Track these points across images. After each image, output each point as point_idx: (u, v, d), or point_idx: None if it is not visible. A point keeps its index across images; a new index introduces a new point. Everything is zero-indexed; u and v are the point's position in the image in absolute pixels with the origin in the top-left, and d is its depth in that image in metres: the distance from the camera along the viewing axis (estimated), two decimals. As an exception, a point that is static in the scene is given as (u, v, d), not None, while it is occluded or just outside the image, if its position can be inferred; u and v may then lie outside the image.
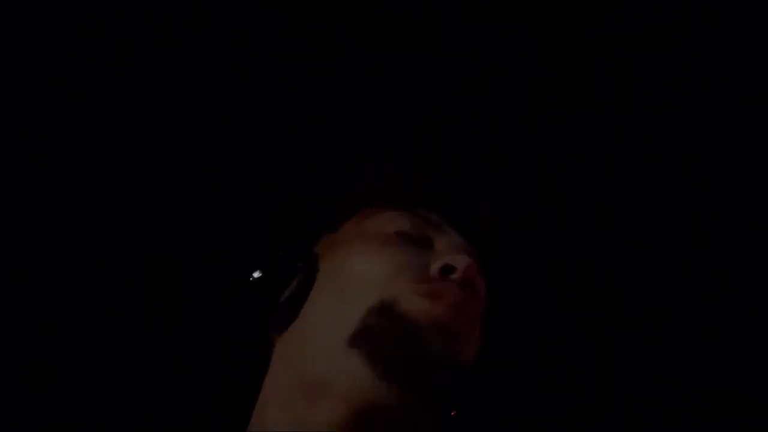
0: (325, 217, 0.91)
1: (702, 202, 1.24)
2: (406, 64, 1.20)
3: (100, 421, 1.13)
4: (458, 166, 1.14)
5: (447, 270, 0.79)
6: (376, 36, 1.19)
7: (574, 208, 1.25)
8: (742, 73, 1.20)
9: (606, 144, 1.25)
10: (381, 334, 0.74)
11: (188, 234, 1.18)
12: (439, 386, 0.75)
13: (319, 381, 0.75)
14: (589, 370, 1.22)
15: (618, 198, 1.26)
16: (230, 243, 1.06)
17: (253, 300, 0.84)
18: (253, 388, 0.83)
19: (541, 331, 1.20)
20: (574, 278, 1.23)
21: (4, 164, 1.18)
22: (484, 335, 0.83)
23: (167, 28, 1.17)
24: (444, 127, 1.21)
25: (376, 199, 0.90)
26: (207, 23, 1.18)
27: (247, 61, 1.20)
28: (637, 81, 1.23)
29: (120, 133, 1.20)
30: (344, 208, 0.91)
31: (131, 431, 1.12)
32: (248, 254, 0.90)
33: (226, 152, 1.20)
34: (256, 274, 0.85)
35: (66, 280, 1.19)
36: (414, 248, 0.82)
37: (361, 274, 0.79)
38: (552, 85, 1.23)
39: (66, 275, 1.19)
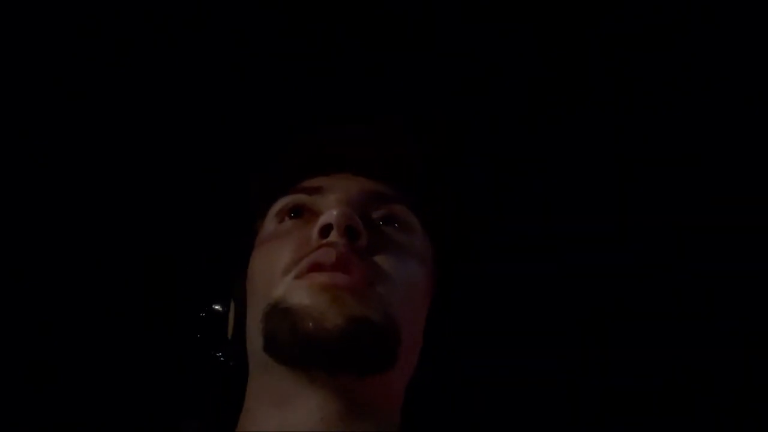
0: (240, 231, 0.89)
1: (702, 202, 1.24)
2: (406, 64, 1.20)
3: (101, 421, 1.13)
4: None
5: (325, 231, 0.75)
6: (376, 35, 1.19)
7: (574, 208, 1.25)
8: (742, 73, 1.20)
9: (606, 144, 1.25)
10: (279, 339, 0.72)
11: (188, 234, 1.19)
12: (354, 350, 0.71)
13: (276, 391, 0.74)
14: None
15: (618, 198, 1.26)
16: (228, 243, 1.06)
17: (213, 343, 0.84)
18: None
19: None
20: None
21: (4, 164, 1.18)
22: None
23: (164, 28, 1.17)
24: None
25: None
26: (201, 24, 1.18)
27: (246, 62, 1.20)
28: (637, 81, 1.23)
29: (120, 133, 1.20)
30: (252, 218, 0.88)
31: (131, 431, 1.11)
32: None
33: (227, 152, 1.20)
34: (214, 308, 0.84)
35: (66, 280, 1.19)
36: (301, 228, 0.78)
37: (256, 281, 0.77)
38: (552, 85, 1.23)
39: (66, 275, 1.19)
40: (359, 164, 0.82)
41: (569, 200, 1.25)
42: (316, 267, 0.73)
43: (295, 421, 0.72)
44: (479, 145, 1.22)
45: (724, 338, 1.21)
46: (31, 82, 1.18)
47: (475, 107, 1.23)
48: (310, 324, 0.70)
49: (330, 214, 0.74)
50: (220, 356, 0.84)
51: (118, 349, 1.17)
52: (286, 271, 0.75)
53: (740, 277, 1.22)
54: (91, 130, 1.20)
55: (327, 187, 0.80)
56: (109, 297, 1.19)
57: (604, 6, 1.19)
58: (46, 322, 1.17)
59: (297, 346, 0.71)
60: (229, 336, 0.81)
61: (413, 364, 0.79)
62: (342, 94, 1.20)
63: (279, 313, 0.73)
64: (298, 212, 0.80)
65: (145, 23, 1.17)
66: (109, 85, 1.20)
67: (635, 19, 1.20)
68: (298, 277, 0.74)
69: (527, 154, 1.25)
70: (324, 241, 0.74)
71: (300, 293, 0.72)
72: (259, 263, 0.79)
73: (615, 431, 1.18)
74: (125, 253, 1.20)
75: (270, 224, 0.82)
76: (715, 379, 1.20)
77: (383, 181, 0.82)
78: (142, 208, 1.21)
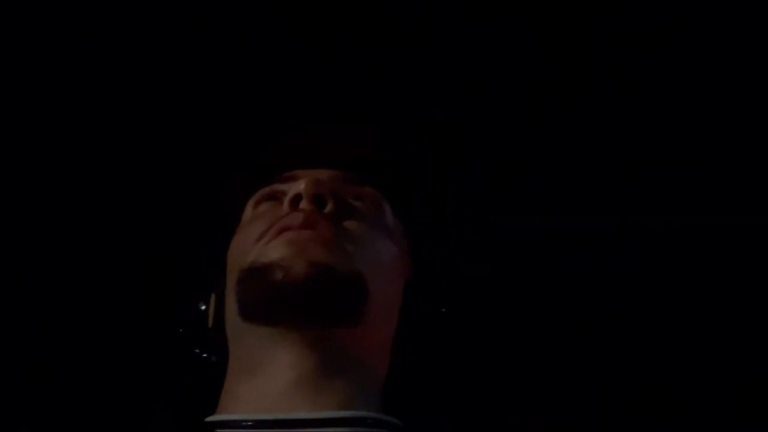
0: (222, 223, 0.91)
1: (701, 202, 1.24)
2: (406, 64, 1.20)
3: (101, 421, 1.13)
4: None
5: (295, 201, 0.78)
6: (376, 36, 1.19)
7: (574, 208, 1.25)
8: (742, 73, 1.21)
9: (606, 144, 1.26)
10: (252, 298, 0.74)
11: (188, 234, 1.19)
12: (321, 301, 0.73)
13: (250, 362, 0.76)
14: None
15: (617, 198, 1.26)
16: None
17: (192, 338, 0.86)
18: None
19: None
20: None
21: (4, 164, 1.18)
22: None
23: (164, 28, 1.17)
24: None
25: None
26: (201, 24, 1.18)
27: (246, 62, 1.20)
28: (637, 81, 1.23)
29: (120, 133, 1.20)
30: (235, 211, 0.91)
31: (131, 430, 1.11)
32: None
33: (227, 152, 1.20)
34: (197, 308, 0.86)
35: (66, 280, 1.19)
36: (274, 208, 0.81)
37: (231, 260, 0.80)
38: (552, 85, 1.23)
39: (66, 275, 1.19)
40: (334, 160, 0.85)
41: (569, 200, 1.26)
42: (284, 229, 0.76)
43: (269, 384, 0.73)
44: (479, 145, 1.23)
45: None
46: (31, 82, 1.18)
47: (475, 107, 1.23)
48: (279, 275, 0.72)
49: (299, 184, 0.78)
50: (200, 352, 0.85)
51: (101, 344, 1.17)
52: (258, 240, 0.77)
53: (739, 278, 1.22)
54: (92, 130, 1.20)
55: (301, 175, 0.83)
56: (110, 297, 1.19)
57: (604, 6, 1.19)
58: (46, 321, 1.17)
59: (268, 299, 0.73)
60: (210, 325, 0.83)
61: (387, 326, 0.80)
62: (342, 95, 1.20)
63: (251, 274, 0.75)
64: (273, 197, 0.84)
65: (145, 23, 1.17)
66: (109, 85, 1.20)
67: (635, 19, 1.20)
68: (266, 243, 0.76)
69: (527, 155, 1.25)
70: (293, 208, 0.77)
71: (269, 251, 0.75)
72: (235, 243, 0.82)
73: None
74: (123, 252, 1.20)
75: (247, 212, 0.85)
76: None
77: (355, 171, 0.85)
78: (141, 208, 1.21)
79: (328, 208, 0.78)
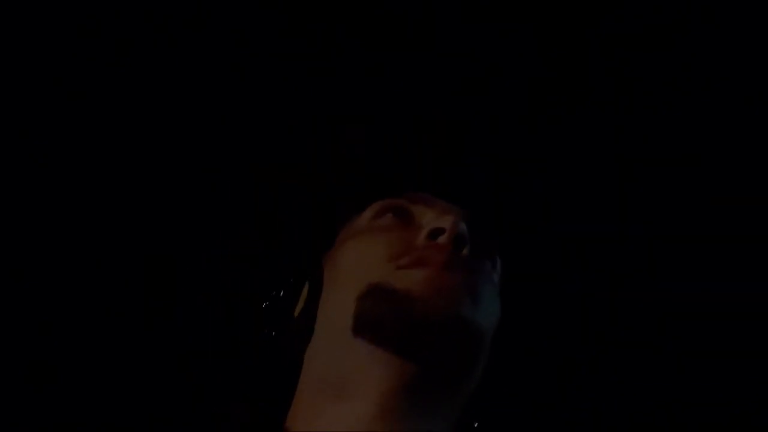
0: (324, 221, 0.92)
1: (701, 202, 1.24)
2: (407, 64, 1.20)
3: (101, 421, 1.13)
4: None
5: (434, 234, 0.79)
6: (376, 36, 1.19)
7: (572, 208, 1.25)
8: (742, 73, 1.21)
9: (606, 143, 1.26)
10: (377, 317, 0.75)
11: (188, 234, 1.19)
12: (451, 348, 0.74)
13: (339, 379, 0.75)
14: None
15: (616, 197, 1.26)
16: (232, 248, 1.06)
17: (271, 319, 0.86)
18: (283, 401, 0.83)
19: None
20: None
21: (4, 164, 1.18)
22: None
23: (164, 28, 1.17)
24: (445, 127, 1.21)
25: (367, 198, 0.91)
26: (201, 24, 1.18)
27: (245, 61, 1.20)
28: (637, 81, 1.23)
29: (119, 133, 1.20)
30: (340, 211, 0.92)
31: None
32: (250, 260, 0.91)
33: (226, 151, 1.20)
34: (269, 299, 0.87)
35: (66, 280, 1.19)
36: (402, 229, 0.83)
37: (350, 266, 0.81)
38: (552, 85, 1.23)
39: (66, 275, 1.19)
40: (457, 195, 0.87)
41: (569, 201, 1.26)
42: (423, 262, 0.76)
43: (351, 411, 0.74)
44: (479, 145, 1.23)
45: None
46: (31, 81, 1.18)
47: (475, 107, 1.23)
48: (420, 310, 0.73)
49: (445, 220, 0.79)
50: (274, 333, 0.86)
51: (119, 349, 1.17)
52: (387, 260, 0.78)
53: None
54: (91, 130, 1.20)
55: (435, 204, 0.84)
56: (109, 297, 1.19)
57: (604, 6, 1.19)
58: (46, 322, 1.17)
59: (401, 327, 0.74)
60: (297, 314, 0.83)
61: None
62: (342, 94, 1.20)
63: (379, 295, 0.76)
64: (399, 213, 0.85)
65: (145, 23, 1.17)
66: (108, 85, 1.20)
67: (635, 19, 1.20)
68: (400, 267, 0.77)
69: (527, 155, 1.25)
70: (431, 242, 0.78)
71: (407, 280, 0.75)
72: (354, 250, 0.83)
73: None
74: (125, 253, 1.20)
75: (366, 219, 0.87)
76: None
77: (476, 213, 0.88)
78: (141, 208, 1.21)
79: (465, 251, 0.78)
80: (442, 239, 0.78)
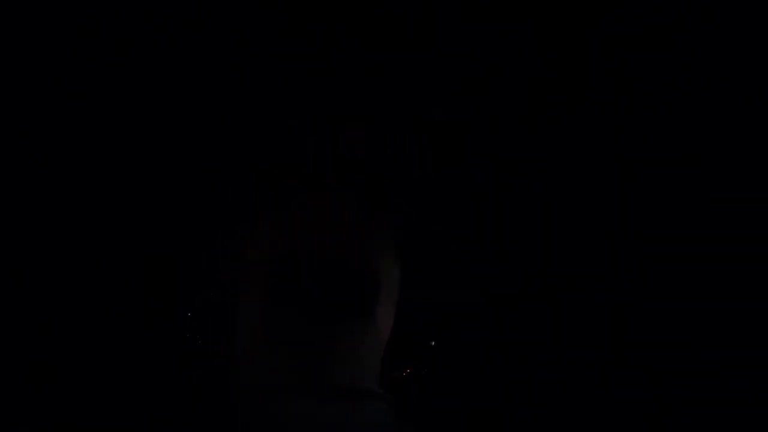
0: None
1: (701, 202, 1.24)
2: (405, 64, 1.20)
3: (100, 421, 1.13)
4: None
5: None
6: (376, 36, 1.19)
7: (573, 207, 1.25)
8: (742, 73, 1.20)
9: (605, 144, 1.25)
10: None
11: (188, 234, 1.18)
12: None
13: None
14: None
15: (616, 198, 1.26)
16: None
17: None
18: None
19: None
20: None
21: (4, 164, 1.18)
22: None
23: (165, 28, 1.17)
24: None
25: None
26: (201, 24, 1.18)
27: (246, 61, 1.20)
28: (637, 81, 1.23)
29: (119, 133, 1.20)
30: None
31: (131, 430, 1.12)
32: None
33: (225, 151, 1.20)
34: None
35: (65, 280, 1.19)
36: None
37: None
38: (552, 85, 1.23)
39: (65, 275, 1.19)
40: None
41: (568, 200, 1.26)
42: None
43: None
44: (479, 145, 1.22)
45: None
46: (31, 81, 1.18)
47: (475, 107, 1.23)
48: None
49: None
50: None
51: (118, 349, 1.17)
52: None
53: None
54: (92, 130, 1.20)
55: None
56: (109, 297, 1.19)
57: (604, 6, 1.19)
58: (46, 322, 1.17)
59: None
60: None
61: None
62: (342, 94, 1.19)
63: None
64: None
65: (146, 23, 1.17)
66: (109, 85, 1.20)
67: (635, 19, 1.20)
68: None
69: (527, 155, 1.25)
70: None
71: None
72: None
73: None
74: (124, 253, 1.20)
75: None
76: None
77: None
78: (142, 208, 1.20)
79: None
80: None
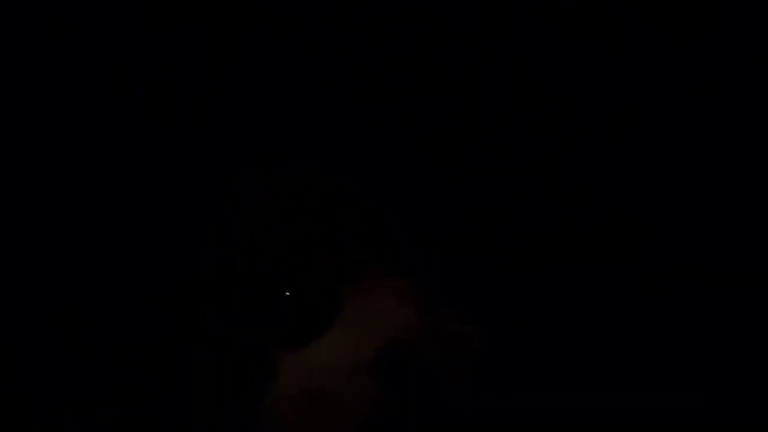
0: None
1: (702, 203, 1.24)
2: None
3: (100, 421, 1.13)
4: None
5: None
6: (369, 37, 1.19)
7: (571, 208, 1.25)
8: (742, 73, 1.20)
9: (606, 143, 1.25)
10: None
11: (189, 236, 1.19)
12: None
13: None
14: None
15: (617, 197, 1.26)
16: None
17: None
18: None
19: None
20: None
21: (4, 164, 1.18)
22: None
23: (163, 28, 1.17)
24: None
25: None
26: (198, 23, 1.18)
27: (246, 61, 1.20)
28: (638, 81, 1.23)
29: (117, 133, 1.20)
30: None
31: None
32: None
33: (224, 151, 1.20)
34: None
35: (65, 280, 1.19)
36: None
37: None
38: (552, 85, 1.23)
39: (65, 274, 1.19)
40: None
41: (569, 200, 1.26)
42: None
43: None
44: (479, 145, 1.22)
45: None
46: (31, 81, 1.18)
47: (475, 107, 1.23)
48: None
49: None
50: None
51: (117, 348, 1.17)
52: None
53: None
54: (91, 130, 1.20)
55: None
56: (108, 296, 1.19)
57: (604, 5, 1.19)
58: (48, 322, 1.18)
59: None
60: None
61: None
62: (341, 94, 1.20)
63: None
64: None
65: (145, 23, 1.17)
66: (110, 86, 1.20)
67: (635, 18, 1.20)
68: None
69: (527, 154, 1.25)
70: None
71: None
72: None
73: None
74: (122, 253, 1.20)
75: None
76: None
77: None
78: (140, 209, 1.21)
79: None
80: None
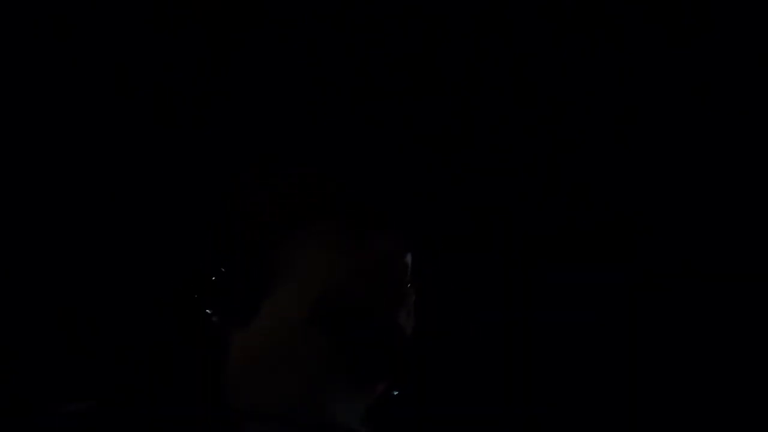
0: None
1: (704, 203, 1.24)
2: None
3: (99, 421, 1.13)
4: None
5: None
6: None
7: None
8: (742, 73, 1.20)
9: (604, 143, 1.25)
10: None
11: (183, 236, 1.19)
12: None
13: None
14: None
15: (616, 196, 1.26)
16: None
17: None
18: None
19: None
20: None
21: (4, 164, 1.18)
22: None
23: (163, 28, 1.17)
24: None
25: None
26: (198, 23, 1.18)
27: (246, 61, 1.20)
28: (637, 81, 1.23)
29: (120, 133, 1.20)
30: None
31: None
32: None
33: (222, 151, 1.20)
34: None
35: (65, 280, 1.19)
36: None
37: None
38: (552, 85, 1.23)
39: (66, 276, 1.19)
40: None
41: (568, 200, 1.26)
42: None
43: None
44: (478, 145, 1.23)
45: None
46: (31, 81, 1.19)
47: (475, 107, 1.23)
48: None
49: None
50: None
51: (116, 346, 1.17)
52: None
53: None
54: (92, 130, 1.20)
55: None
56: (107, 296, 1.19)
57: (604, 5, 1.19)
58: (46, 322, 1.18)
59: None
60: None
61: None
62: (340, 95, 1.20)
63: None
64: None
65: (145, 23, 1.17)
66: (110, 85, 1.20)
67: (635, 18, 1.20)
68: None
69: (527, 154, 1.25)
70: None
71: None
72: None
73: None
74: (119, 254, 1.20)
75: None
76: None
77: None
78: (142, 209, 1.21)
79: None
80: None
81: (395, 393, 0.89)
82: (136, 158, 1.20)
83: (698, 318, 1.23)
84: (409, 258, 0.90)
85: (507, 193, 1.24)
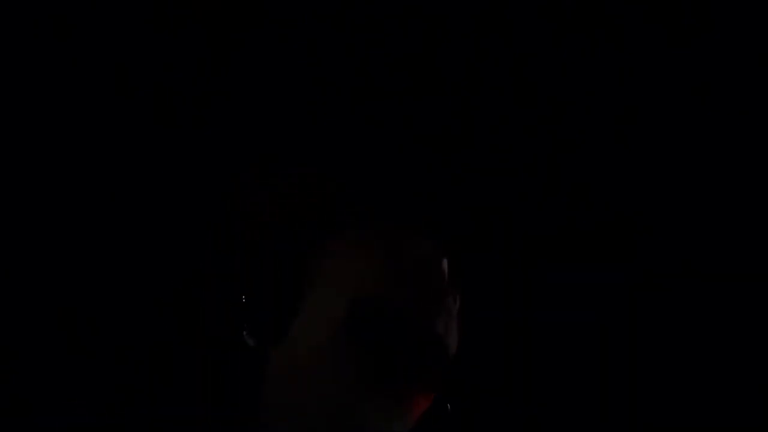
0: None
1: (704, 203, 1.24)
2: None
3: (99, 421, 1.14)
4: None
5: None
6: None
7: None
8: (742, 73, 1.20)
9: (604, 143, 1.25)
10: None
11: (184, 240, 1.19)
12: None
13: None
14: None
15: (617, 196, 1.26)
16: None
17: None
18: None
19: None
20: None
21: (4, 164, 1.18)
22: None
23: (163, 29, 1.17)
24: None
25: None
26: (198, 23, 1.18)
27: (246, 62, 1.20)
28: (637, 81, 1.23)
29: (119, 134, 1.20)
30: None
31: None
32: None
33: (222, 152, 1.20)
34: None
35: (65, 280, 1.19)
36: None
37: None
38: (551, 86, 1.23)
39: (67, 276, 1.19)
40: None
41: (568, 199, 1.26)
42: None
43: None
44: (478, 145, 1.23)
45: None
46: (31, 81, 1.19)
47: (475, 107, 1.23)
48: None
49: None
50: None
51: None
52: None
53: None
54: (91, 130, 1.20)
55: None
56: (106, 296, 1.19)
57: (604, 5, 1.19)
58: (47, 322, 1.18)
59: None
60: None
61: None
62: (340, 95, 1.20)
63: None
64: None
65: (145, 23, 1.17)
66: (110, 85, 1.20)
67: (635, 18, 1.20)
68: None
69: (527, 154, 1.25)
70: None
71: None
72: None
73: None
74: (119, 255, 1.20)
75: None
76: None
77: None
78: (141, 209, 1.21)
79: None
80: None
81: (448, 405, 0.87)
82: (136, 158, 1.20)
83: (698, 318, 1.23)
84: (445, 264, 0.87)
85: (507, 193, 1.24)
